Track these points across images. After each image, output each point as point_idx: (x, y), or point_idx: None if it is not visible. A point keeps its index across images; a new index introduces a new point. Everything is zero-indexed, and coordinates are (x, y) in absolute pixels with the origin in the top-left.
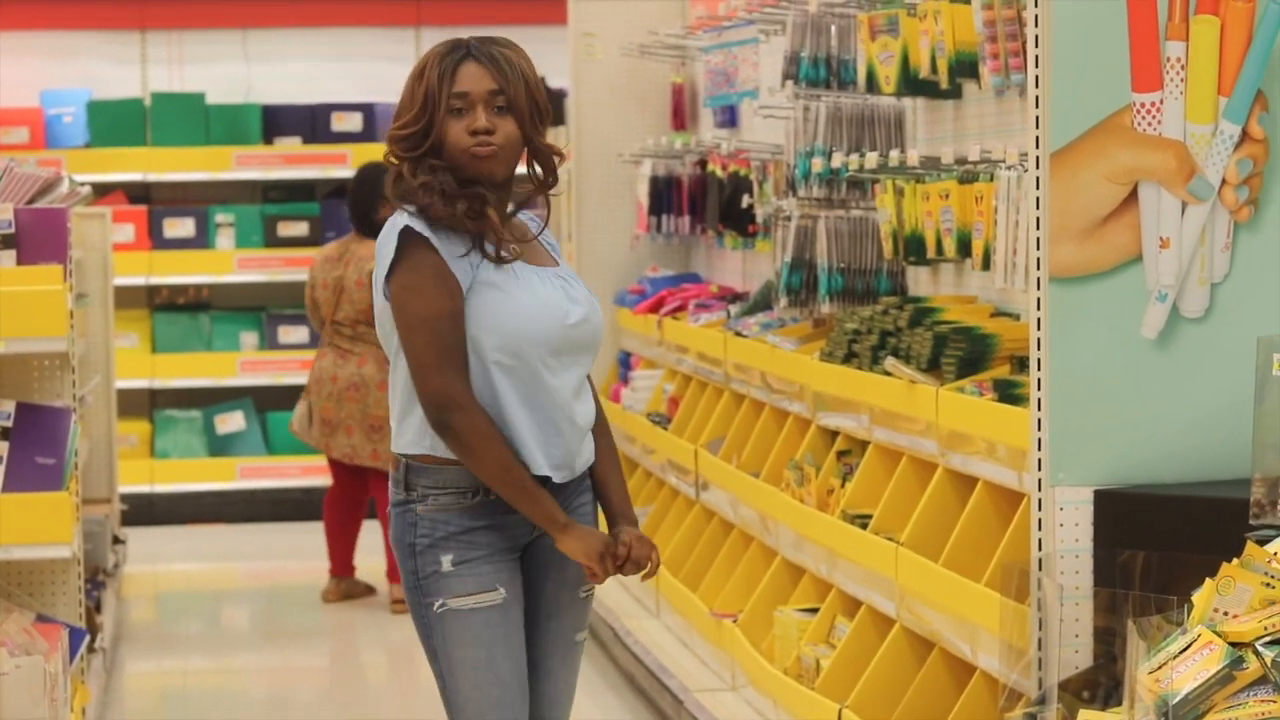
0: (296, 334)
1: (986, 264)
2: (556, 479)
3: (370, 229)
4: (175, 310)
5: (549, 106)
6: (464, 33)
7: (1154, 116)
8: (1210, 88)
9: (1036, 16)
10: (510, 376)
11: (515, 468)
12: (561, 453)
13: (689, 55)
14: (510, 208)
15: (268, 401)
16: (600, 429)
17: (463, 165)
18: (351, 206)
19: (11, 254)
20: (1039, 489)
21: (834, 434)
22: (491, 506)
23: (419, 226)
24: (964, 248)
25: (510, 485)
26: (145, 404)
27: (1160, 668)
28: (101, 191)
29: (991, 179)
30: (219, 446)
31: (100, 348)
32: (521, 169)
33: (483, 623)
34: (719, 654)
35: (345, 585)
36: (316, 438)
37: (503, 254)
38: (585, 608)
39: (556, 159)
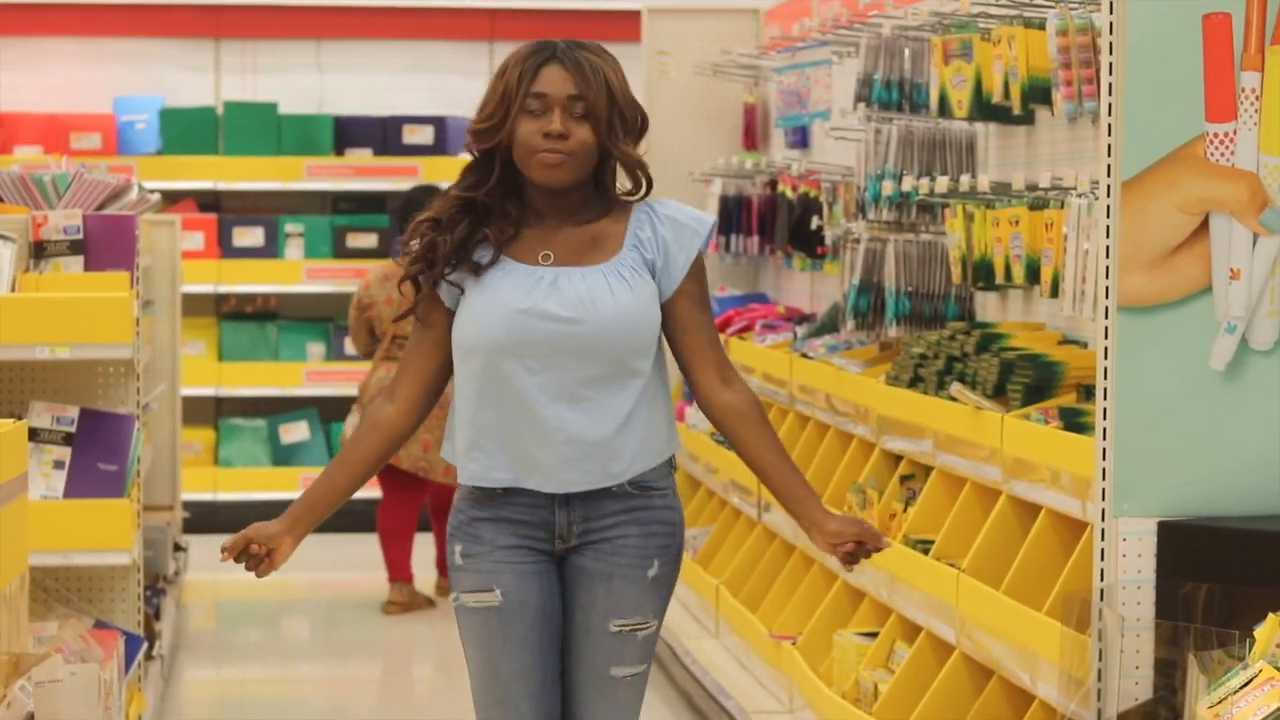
0: None
1: (1055, 291)
2: (500, 484)
3: None
4: (242, 319)
5: (641, 116)
6: None
7: (1227, 147)
8: None
9: (1111, 44)
10: (473, 379)
11: (316, 482)
12: (512, 457)
13: (762, 75)
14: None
15: (333, 412)
16: (759, 425)
17: (528, 166)
18: (401, 227)
19: (79, 260)
20: (1102, 519)
21: (898, 458)
22: (493, 497)
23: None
24: (1033, 274)
25: None
26: (210, 412)
27: (1220, 702)
28: (172, 199)
29: (1062, 206)
30: (283, 456)
31: (166, 355)
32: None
33: (481, 623)
34: (777, 676)
35: (406, 592)
36: None
37: (479, 263)
38: (625, 642)
39: (640, 170)
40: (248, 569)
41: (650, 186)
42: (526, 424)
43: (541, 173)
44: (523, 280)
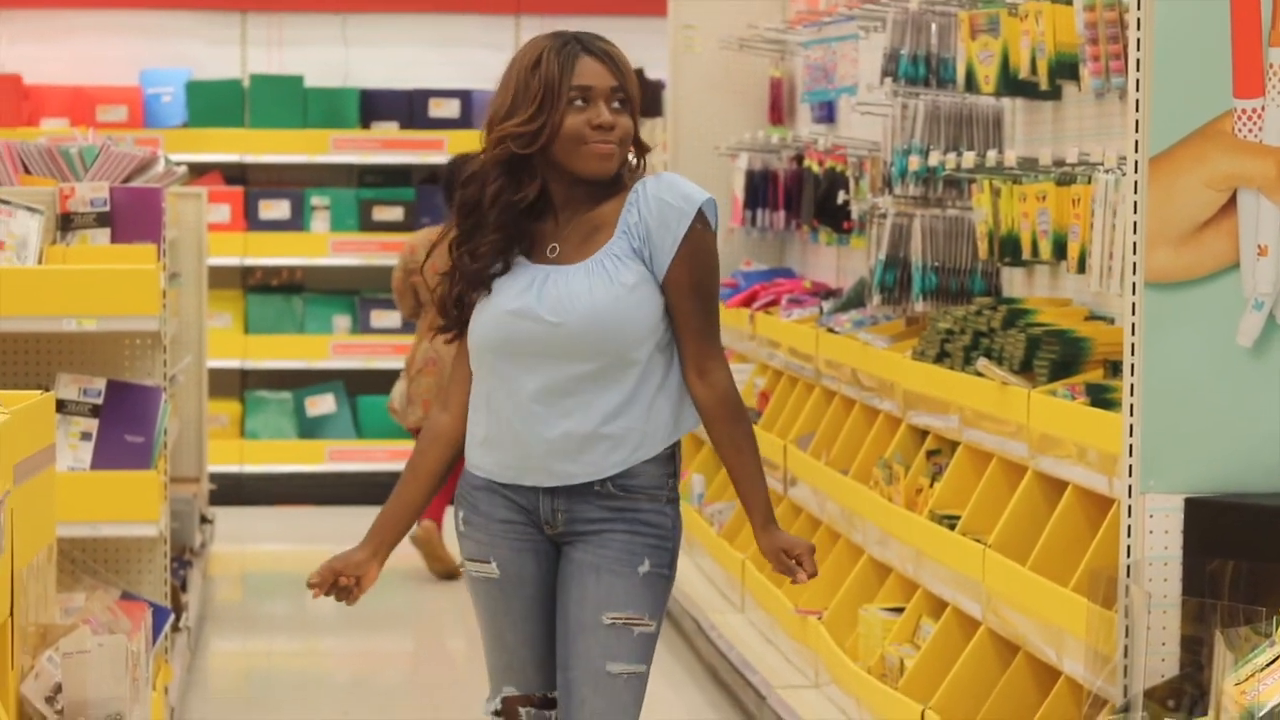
0: (389, 319)
1: (1082, 267)
2: (502, 479)
3: None
4: (269, 291)
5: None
6: (564, 22)
7: (1255, 123)
8: None
9: (1139, 19)
10: (481, 380)
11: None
12: (512, 454)
13: (788, 50)
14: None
15: (359, 385)
16: (726, 422)
17: (575, 158)
18: (449, 195)
19: (106, 232)
20: (1129, 495)
21: (924, 433)
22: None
23: None
24: (1059, 250)
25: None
26: (236, 384)
27: (1247, 679)
28: (198, 172)
29: (1089, 181)
30: (309, 428)
31: (193, 327)
32: None
33: (485, 592)
34: (803, 651)
35: (429, 530)
36: (420, 417)
37: (493, 274)
38: (621, 637)
39: (646, 151)
40: (337, 600)
41: (642, 157)
42: (525, 422)
43: (594, 164)
44: (520, 280)
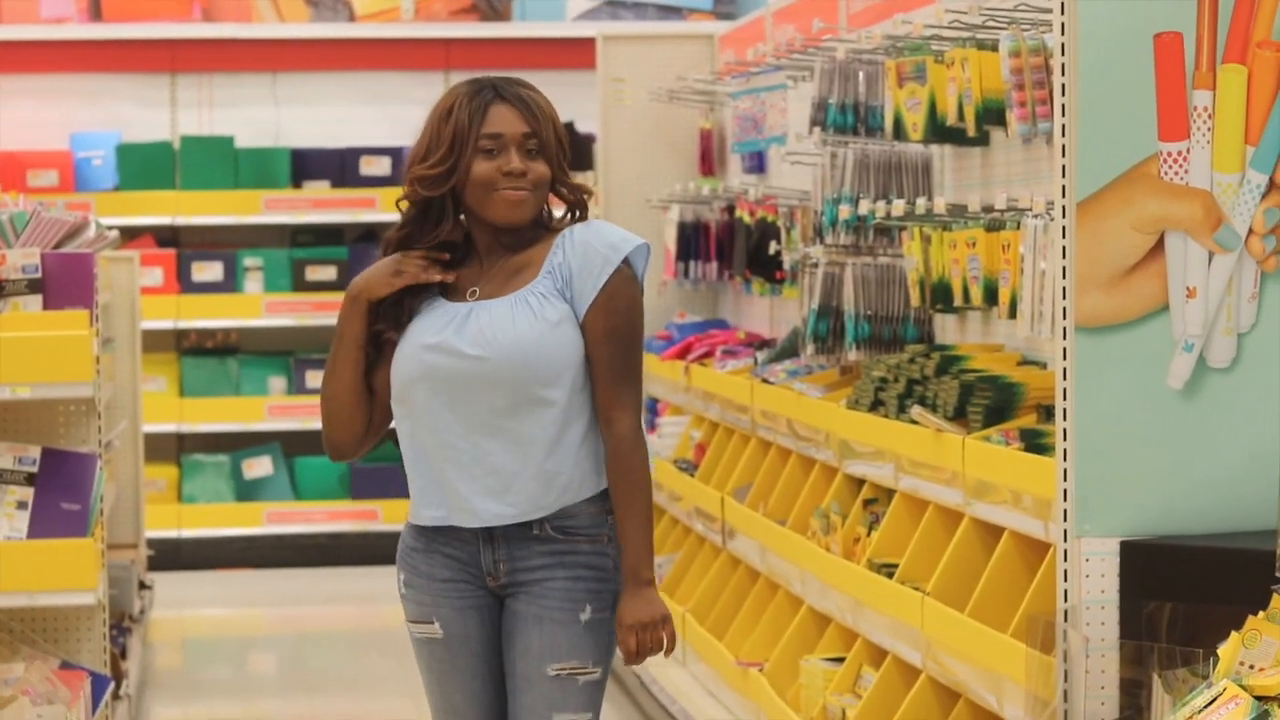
0: None
1: (1013, 312)
2: (428, 521)
3: None
4: (203, 354)
5: (570, 146)
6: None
7: (1181, 166)
8: (1237, 137)
9: (1064, 65)
10: (402, 419)
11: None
12: (441, 493)
13: (717, 101)
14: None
15: (295, 446)
16: (616, 473)
17: (486, 205)
18: None
19: (38, 299)
20: (1065, 539)
21: (860, 482)
22: (427, 529)
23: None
24: (990, 296)
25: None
26: (173, 448)
27: None
28: (130, 235)
29: (1018, 227)
30: (246, 491)
31: (127, 392)
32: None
33: (429, 653)
34: (745, 703)
35: None
36: None
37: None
38: (566, 687)
39: (586, 195)
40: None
41: (584, 213)
42: (448, 458)
43: (505, 210)
44: (439, 318)
